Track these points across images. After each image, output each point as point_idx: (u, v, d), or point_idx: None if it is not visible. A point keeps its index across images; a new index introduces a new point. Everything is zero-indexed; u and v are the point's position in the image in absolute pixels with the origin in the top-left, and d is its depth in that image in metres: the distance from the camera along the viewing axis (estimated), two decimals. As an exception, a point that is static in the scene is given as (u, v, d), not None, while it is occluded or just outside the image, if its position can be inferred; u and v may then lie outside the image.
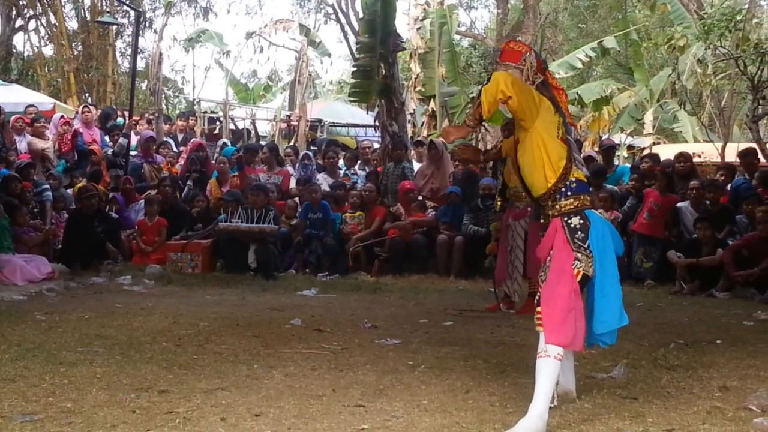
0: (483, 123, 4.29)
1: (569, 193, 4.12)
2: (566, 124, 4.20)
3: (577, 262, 4.05)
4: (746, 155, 10.93)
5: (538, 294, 4.14)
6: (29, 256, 9.68)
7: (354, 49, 18.24)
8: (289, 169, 13.22)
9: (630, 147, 20.48)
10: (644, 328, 6.82)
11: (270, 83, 32.61)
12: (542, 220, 4.38)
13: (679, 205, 10.32)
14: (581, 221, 4.10)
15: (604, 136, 18.60)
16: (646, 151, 18.86)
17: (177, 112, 23.23)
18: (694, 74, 17.23)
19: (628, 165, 15.08)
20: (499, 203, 7.88)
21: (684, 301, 8.69)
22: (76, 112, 14.93)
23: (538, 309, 4.05)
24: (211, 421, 3.85)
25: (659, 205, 10.04)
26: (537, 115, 4.09)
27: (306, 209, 11.15)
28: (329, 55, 23.88)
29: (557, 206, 4.14)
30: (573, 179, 4.13)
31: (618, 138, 19.16)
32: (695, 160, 12.07)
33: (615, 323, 4.17)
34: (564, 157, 4.12)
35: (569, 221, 4.11)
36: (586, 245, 4.07)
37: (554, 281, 4.06)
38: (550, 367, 3.90)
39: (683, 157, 11.26)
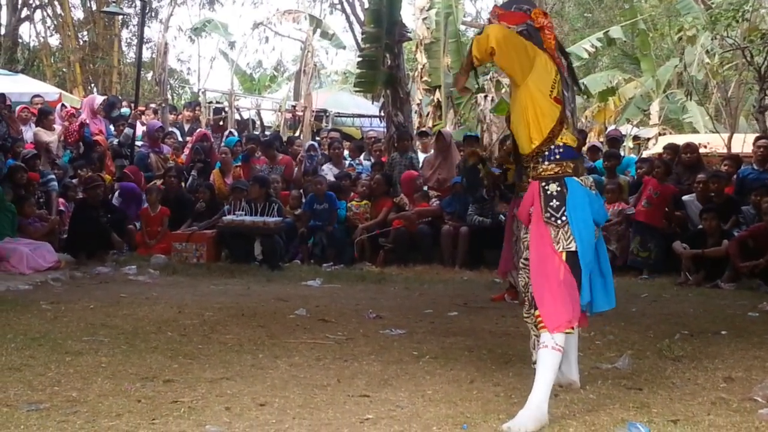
0: (476, 71, 4.25)
1: (552, 158, 3.99)
2: (564, 82, 4.06)
3: (556, 239, 3.94)
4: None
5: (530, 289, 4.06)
6: (35, 243, 9.68)
7: (359, 40, 18.19)
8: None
9: (636, 138, 20.42)
10: (649, 318, 6.82)
11: (275, 73, 32.60)
12: (523, 182, 4.34)
13: (685, 198, 10.29)
14: (559, 189, 3.98)
15: (611, 127, 18.55)
16: (651, 142, 18.83)
17: (182, 102, 23.24)
18: (702, 65, 17.16)
19: (634, 156, 15.05)
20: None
21: (689, 292, 8.67)
22: (81, 104, 14.93)
23: (536, 312, 3.98)
24: (216, 411, 3.86)
25: (658, 193, 9.99)
26: (529, 70, 3.96)
27: (311, 201, 11.14)
28: (344, 47, 23.81)
29: (539, 169, 4.02)
30: (560, 144, 4.00)
31: (624, 129, 19.09)
32: (701, 151, 12.03)
33: (606, 305, 4.23)
34: (554, 118, 3.98)
35: (547, 187, 3.99)
36: (559, 214, 3.95)
37: (539, 268, 3.97)
38: (550, 358, 3.85)
39: (689, 148, 11.22)
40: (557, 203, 3.96)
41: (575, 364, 4.32)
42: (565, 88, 4.05)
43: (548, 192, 3.99)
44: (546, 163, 4.01)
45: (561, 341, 3.88)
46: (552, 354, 3.86)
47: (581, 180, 4.06)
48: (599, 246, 4.17)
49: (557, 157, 4.00)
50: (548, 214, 3.97)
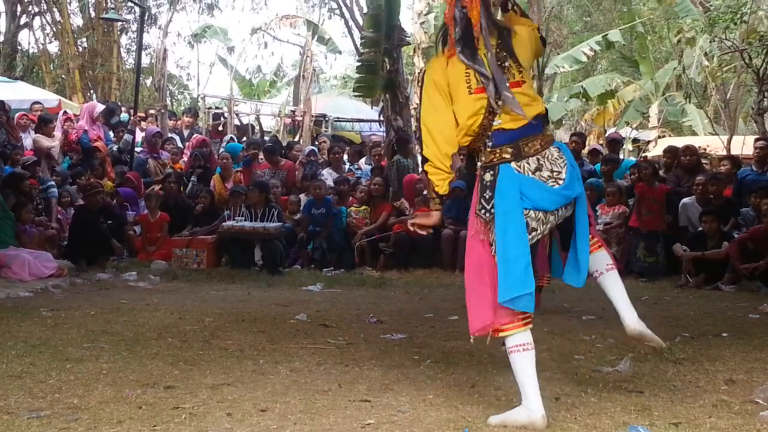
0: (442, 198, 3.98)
1: (485, 148, 3.85)
2: (481, 71, 3.81)
3: (485, 234, 3.83)
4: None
5: None
6: (36, 251, 9.68)
7: (358, 44, 18.21)
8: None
9: (635, 140, 20.46)
10: (650, 321, 6.70)
11: (275, 79, 32.63)
12: None
13: (684, 200, 10.29)
14: (491, 178, 3.82)
15: (610, 130, 18.58)
16: (651, 145, 18.86)
17: (182, 108, 23.26)
18: (701, 67, 17.20)
19: (634, 159, 15.07)
20: None
21: (690, 294, 8.66)
22: (81, 110, 14.94)
23: None
24: (218, 417, 3.86)
25: (655, 199, 9.95)
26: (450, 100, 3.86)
27: (309, 205, 11.15)
28: (340, 52, 23.84)
29: (480, 161, 3.92)
30: (493, 130, 3.83)
31: (623, 131, 19.13)
32: (700, 152, 12.05)
33: (575, 281, 4.24)
34: (476, 112, 3.82)
35: (483, 177, 3.87)
36: (489, 206, 3.81)
37: (469, 266, 3.89)
38: (515, 362, 3.79)
39: (689, 150, 11.24)
40: (489, 194, 3.82)
41: (625, 307, 4.34)
42: (492, 69, 3.80)
43: (483, 182, 3.86)
44: (483, 156, 3.89)
45: (518, 341, 3.77)
46: (514, 358, 3.78)
47: (521, 164, 3.82)
48: (578, 220, 4.10)
49: (490, 145, 3.84)
50: (479, 206, 3.85)
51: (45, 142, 12.74)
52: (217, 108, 21.40)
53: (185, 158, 13.82)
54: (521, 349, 3.78)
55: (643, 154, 17.74)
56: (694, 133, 19.97)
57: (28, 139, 12.94)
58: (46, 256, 9.55)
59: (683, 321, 6.84)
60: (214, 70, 51.59)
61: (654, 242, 9.83)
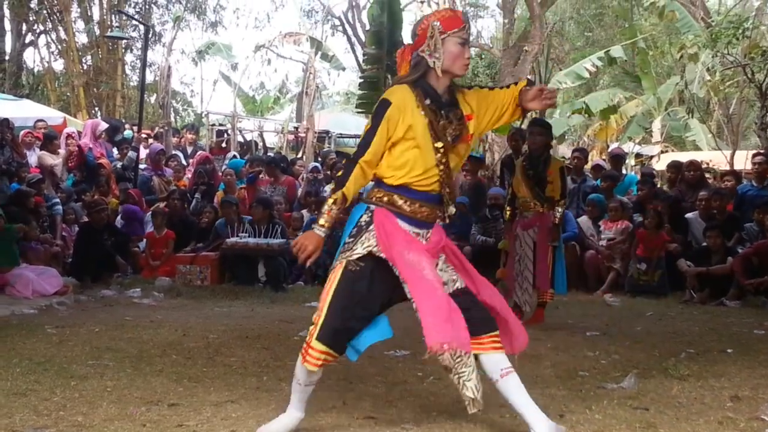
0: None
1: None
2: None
3: None
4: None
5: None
6: (41, 268, 9.69)
7: (361, 61, 18.26)
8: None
9: (638, 155, 20.46)
10: (654, 337, 6.80)
11: (278, 95, 32.71)
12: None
13: (688, 215, 10.30)
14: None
15: (613, 145, 18.59)
16: (654, 160, 18.86)
17: (185, 124, 23.31)
18: (703, 82, 17.22)
19: (636, 174, 15.08)
20: (508, 213, 7.86)
21: (694, 310, 8.66)
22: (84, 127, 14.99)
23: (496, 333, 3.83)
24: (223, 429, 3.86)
25: (654, 247, 9.81)
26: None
27: (311, 222, 11.10)
28: (344, 69, 23.91)
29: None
30: None
31: (626, 147, 19.14)
32: (703, 167, 12.06)
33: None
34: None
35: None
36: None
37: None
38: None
39: (693, 166, 11.26)
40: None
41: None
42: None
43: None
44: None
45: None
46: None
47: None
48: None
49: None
50: None
51: (49, 159, 12.79)
52: (220, 125, 21.45)
53: (189, 175, 13.85)
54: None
55: (648, 164, 17.71)
56: (697, 148, 19.97)
57: (33, 157, 12.99)
58: (51, 272, 9.55)
59: (688, 337, 6.83)
60: (217, 87, 51.72)
61: (651, 262, 9.77)
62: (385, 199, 3.80)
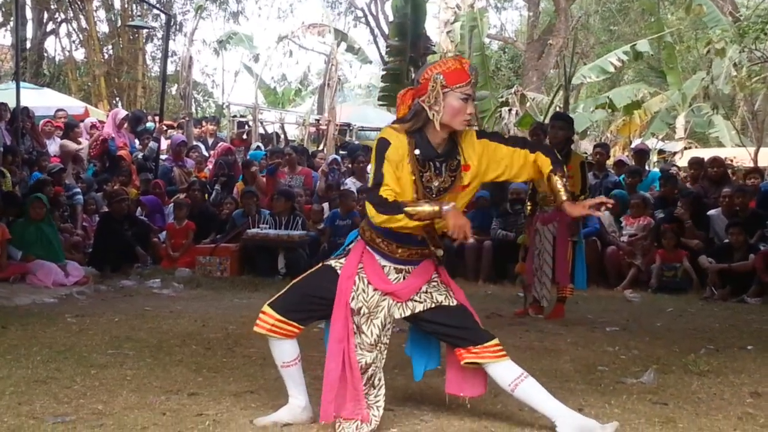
0: None
1: None
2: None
3: None
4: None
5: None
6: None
7: (383, 53, 18.24)
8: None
9: (661, 152, 20.33)
10: (675, 333, 6.77)
11: (300, 87, 32.72)
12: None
13: (710, 212, 10.23)
14: None
15: (636, 141, 18.47)
16: (677, 156, 18.74)
17: (205, 115, 23.37)
18: (729, 78, 17.08)
19: (658, 171, 15.00)
20: (529, 207, 7.83)
21: (715, 306, 8.61)
22: (107, 117, 15.10)
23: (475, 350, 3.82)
24: (241, 424, 3.86)
25: (673, 264, 9.76)
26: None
27: (333, 216, 11.12)
28: (370, 62, 23.85)
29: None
30: None
31: (649, 143, 19.01)
32: (727, 164, 11.96)
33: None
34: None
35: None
36: None
37: None
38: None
39: (716, 162, 11.17)
40: None
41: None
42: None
43: None
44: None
45: None
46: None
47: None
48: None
49: None
50: None
51: (72, 145, 12.89)
52: (241, 116, 21.49)
53: (210, 166, 13.90)
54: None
55: (670, 161, 17.59)
56: (720, 145, 19.83)
57: (53, 146, 13.09)
58: (72, 264, 9.60)
59: (708, 333, 6.79)
60: (239, 78, 51.83)
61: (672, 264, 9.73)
62: (367, 234, 3.86)
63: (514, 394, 3.80)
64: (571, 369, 5.27)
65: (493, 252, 10.41)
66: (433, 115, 3.66)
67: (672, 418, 4.06)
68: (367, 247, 3.86)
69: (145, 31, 24.26)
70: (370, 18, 20.36)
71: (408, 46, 12.89)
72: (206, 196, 12.38)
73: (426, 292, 3.88)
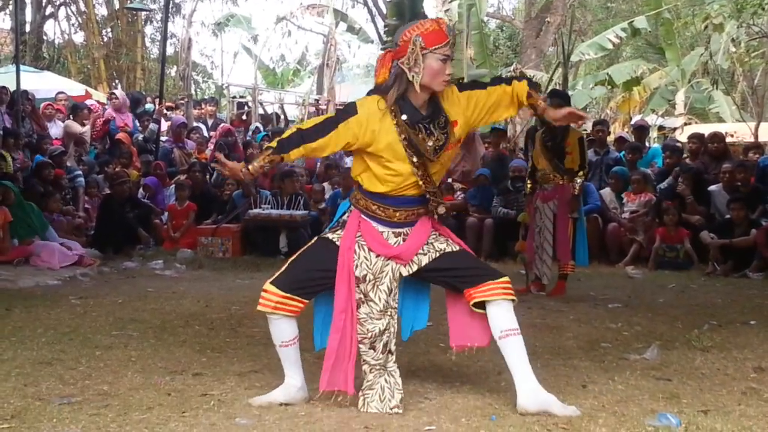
0: None
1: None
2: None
3: None
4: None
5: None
6: (63, 238, 9.78)
7: (382, 33, 18.17)
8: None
9: (661, 128, 20.30)
10: (677, 309, 6.78)
11: (298, 68, 32.63)
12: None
13: (711, 188, 10.22)
14: None
15: (636, 117, 18.43)
16: (677, 132, 18.71)
17: (205, 97, 23.31)
18: (728, 53, 17.02)
19: (659, 146, 14.97)
20: (529, 186, 7.83)
21: (717, 282, 8.62)
22: (108, 99, 15.07)
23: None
24: (246, 404, 3.88)
25: (674, 244, 9.72)
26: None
27: (334, 196, 11.12)
28: (372, 42, 23.74)
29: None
30: None
31: (649, 119, 18.98)
32: (728, 140, 11.94)
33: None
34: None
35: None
36: None
37: None
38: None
39: (716, 137, 11.15)
40: None
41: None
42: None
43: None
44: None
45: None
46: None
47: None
48: None
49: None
50: None
51: (77, 127, 12.90)
52: (241, 97, 21.44)
53: (211, 147, 13.87)
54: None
55: (671, 137, 17.56)
56: (721, 120, 19.78)
57: (54, 129, 13.07)
58: (73, 245, 9.62)
59: (711, 309, 6.81)
60: (238, 59, 51.63)
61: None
62: (362, 203, 3.91)
63: (499, 343, 3.85)
64: (574, 346, 5.29)
65: (494, 230, 10.42)
66: (413, 76, 3.69)
67: (676, 393, 4.07)
68: (363, 216, 3.90)
69: (143, 13, 24.12)
70: (368, -3, 20.27)
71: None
72: (207, 177, 12.36)
73: (428, 244, 3.92)
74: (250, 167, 3.87)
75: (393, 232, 3.90)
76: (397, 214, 3.87)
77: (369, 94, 3.89)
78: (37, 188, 10.43)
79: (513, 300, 3.88)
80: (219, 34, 29.37)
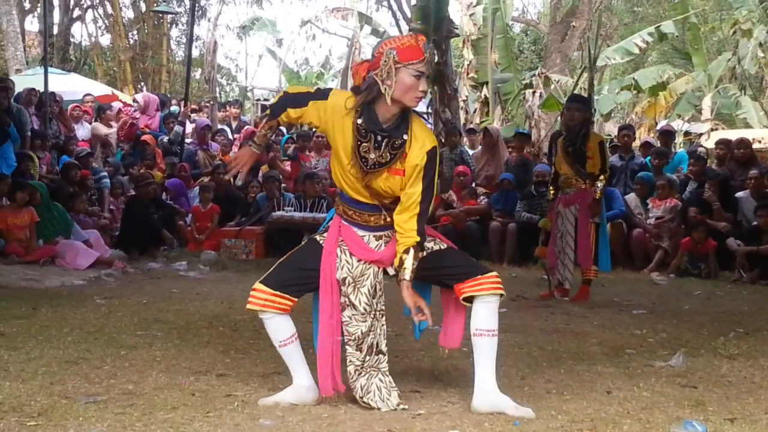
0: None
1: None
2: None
3: None
4: None
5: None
6: (87, 231, 9.97)
7: (407, 36, 18.11)
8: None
9: (687, 133, 20.16)
10: (703, 316, 6.73)
11: (322, 71, 32.71)
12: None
13: (738, 194, 10.14)
14: None
15: (661, 122, 18.33)
16: (703, 138, 18.57)
17: (229, 99, 23.42)
18: (756, 58, 16.88)
19: (684, 151, 14.87)
20: (551, 192, 7.81)
21: (744, 289, 8.55)
22: (134, 101, 15.18)
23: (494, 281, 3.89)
24: (269, 405, 3.89)
25: (702, 256, 9.58)
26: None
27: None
28: None
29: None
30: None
31: (675, 124, 18.86)
32: (755, 146, 11.84)
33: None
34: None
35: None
36: None
37: None
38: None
39: (743, 143, 11.07)
40: None
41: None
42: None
43: None
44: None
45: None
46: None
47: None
48: None
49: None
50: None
51: (103, 129, 13.01)
52: (265, 99, 21.53)
53: (235, 150, 13.93)
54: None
55: (696, 142, 17.43)
56: (748, 126, 19.61)
57: (81, 130, 13.18)
58: (94, 238, 9.77)
59: (737, 316, 6.75)
60: (262, 62, 51.78)
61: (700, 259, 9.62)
62: (341, 208, 3.98)
63: (473, 340, 3.91)
64: (598, 352, 5.26)
65: (517, 234, 10.39)
66: (385, 89, 3.69)
67: (702, 401, 4.04)
68: (343, 221, 3.95)
69: (169, 16, 24.30)
70: (392, 1, 20.25)
71: (431, 29, 12.77)
72: (231, 179, 12.40)
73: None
74: (255, 139, 4.06)
75: (374, 236, 3.95)
76: (372, 218, 3.92)
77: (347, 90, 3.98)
78: (66, 189, 10.52)
79: (501, 294, 3.91)
80: (244, 37, 29.49)
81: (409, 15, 15.27)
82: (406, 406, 3.84)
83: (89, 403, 3.81)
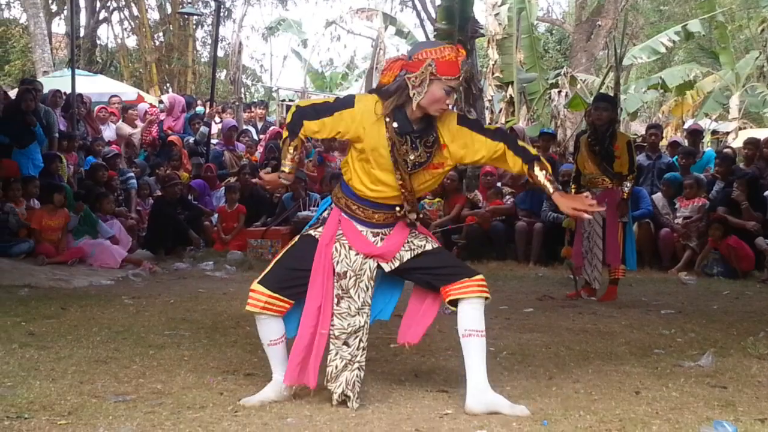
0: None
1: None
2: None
3: None
4: None
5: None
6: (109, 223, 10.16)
7: (431, 37, 18.13)
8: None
9: (714, 132, 20.00)
10: (732, 316, 6.67)
11: (347, 71, 32.76)
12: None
13: (766, 193, 10.04)
14: None
15: (689, 122, 18.20)
16: (731, 137, 18.42)
17: (254, 100, 23.51)
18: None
19: (712, 150, 14.74)
20: (573, 190, 7.77)
21: (773, 289, 8.47)
22: (160, 101, 15.28)
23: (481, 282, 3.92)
24: (297, 404, 3.90)
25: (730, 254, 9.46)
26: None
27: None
28: None
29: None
30: None
31: (702, 123, 18.70)
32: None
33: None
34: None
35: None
36: None
37: None
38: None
39: (771, 142, 10.97)
40: None
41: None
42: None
43: None
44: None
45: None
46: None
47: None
48: None
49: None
50: None
51: (127, 129, 13.12)
52: (290, 100, 21.59)
53: (260, 150, 13.99)
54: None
55: (723, 142, 17.29)
56: (779, 125, 19.45)
57: (107, 131, 13.29)
58: (119, 231, 9.90)
59: (766, 316, 6.67)
60: (287, 63, 51.98)
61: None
62: (342, 201, 3.98)
63: (462, 341, 3.90)
64: (626, 352, 5.22)
65: (543, 234, 10.35)
66: (414, 95, 3.73)
67: (731, 401, 4.00)
68: (343, 214, 3.97)
69: (194, 17, 24.43)
70: (417, 1, 20.25)
71: (456, 29, 12.75)
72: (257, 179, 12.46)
73: (408, 242, 3.98)
74: (284, 169, 4.03)
75: (371, 232, 3.97)
76: (376, 216, 3.95)
77: (370, 92, 3.97)
78: (95, 190, 10.62)
79: (486, 298, 3.92)
80: (269, 38, 29.60)
81: (433, 15, 15.28)
82: (358, 405, 3.84)
83: (118, 402, 3.84)
